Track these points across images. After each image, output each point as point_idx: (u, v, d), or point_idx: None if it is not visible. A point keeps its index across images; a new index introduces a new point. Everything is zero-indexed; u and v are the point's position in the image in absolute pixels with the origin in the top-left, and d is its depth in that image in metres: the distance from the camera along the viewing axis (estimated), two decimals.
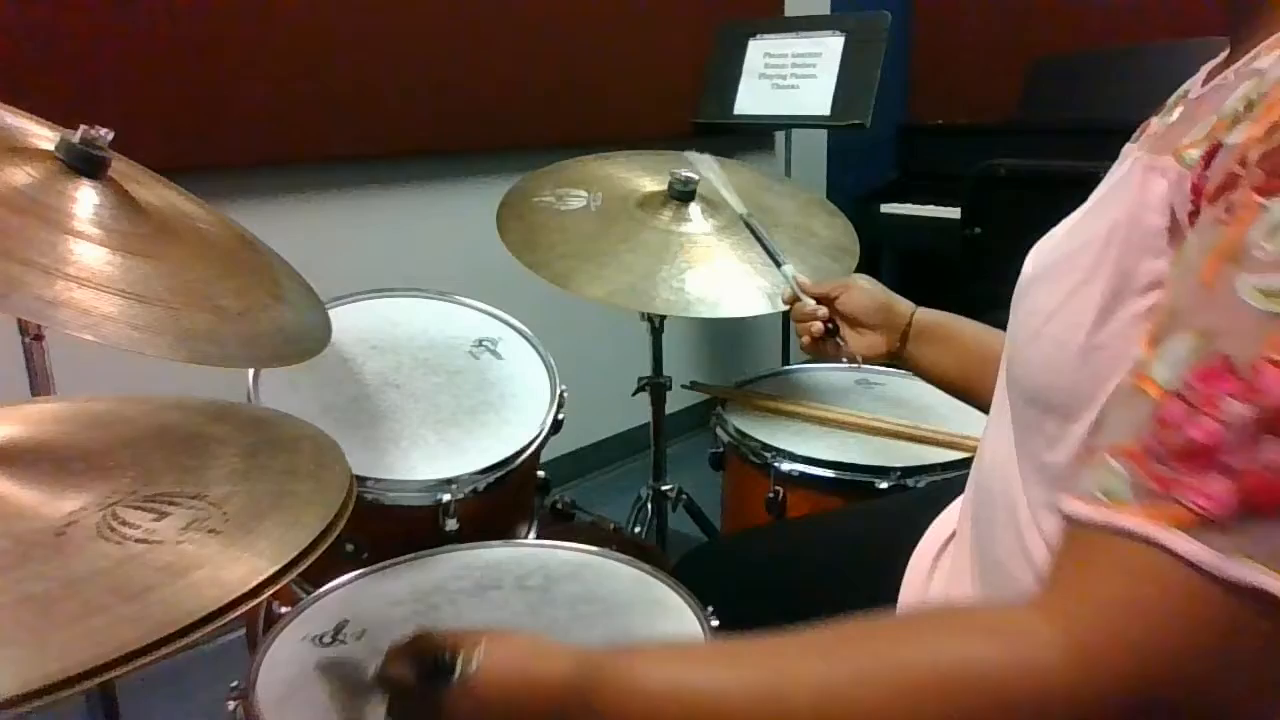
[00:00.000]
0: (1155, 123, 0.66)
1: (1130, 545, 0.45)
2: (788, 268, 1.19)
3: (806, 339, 1.12)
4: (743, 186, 1.49)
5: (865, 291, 1.10)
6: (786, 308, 1.17)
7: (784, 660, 0.52)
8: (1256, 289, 0.44)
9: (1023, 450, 0.64)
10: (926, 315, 1.07)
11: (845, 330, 1.10)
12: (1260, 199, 0.44)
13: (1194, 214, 0.50)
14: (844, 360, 1.10)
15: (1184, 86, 0.67)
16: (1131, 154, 0.66)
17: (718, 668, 0.53)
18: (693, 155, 1.33)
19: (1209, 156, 0.50)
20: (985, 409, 1.00)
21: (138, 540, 0.53)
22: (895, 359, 1.09)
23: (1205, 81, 0.62)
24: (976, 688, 0.47)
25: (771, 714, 0.50)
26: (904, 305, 1.09)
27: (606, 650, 0.56)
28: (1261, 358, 0.43)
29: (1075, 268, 0.58)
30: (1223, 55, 0.62)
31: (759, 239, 1.23)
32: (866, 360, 1.09)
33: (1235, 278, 0.44)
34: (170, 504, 0.57)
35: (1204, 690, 0.44)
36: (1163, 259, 0.53)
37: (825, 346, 1.11)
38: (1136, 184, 0.55)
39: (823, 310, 1.10)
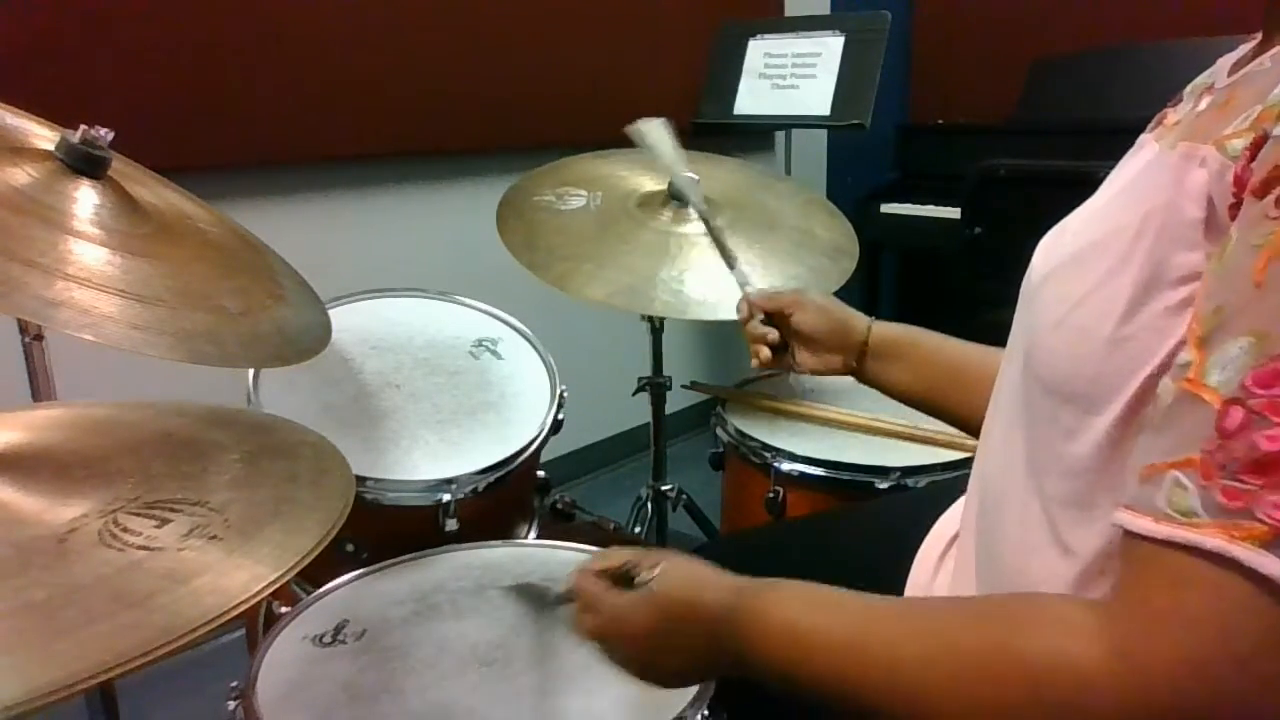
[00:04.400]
0: (1173, 113, 0.65)
1: (1199, 561, 0.44)
2: (741, 272, 1.11)
3: (755, 361, 1.06)
4: (742, 186, 1.50)
5: (818, 309, 1.03)
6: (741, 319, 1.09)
7: (872, 620, 0.58)
8: None
9: (1039, 442, 0.63)
10: (884, 331, 1.02)
11: (797, 350, 1.04)
12: None
13: (1235, 206, 0.49)
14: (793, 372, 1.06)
15: (1201, 78, 0.66)
16: (1148, 143, 0.65)
17: (825, 614, 0.60)
18: (641, 124, 1.21)
19: (1255, 147, 0.48)
20: (952, 422, 0.98)
21: (139, 547, 0.53)
22: (854, 376, 1.04)
23: (1233, 70, 0.60)
24: (1017, 673, 0.49)
25: (852, 664, 0.56)
26: (859, 321, 1.02)
27: (758, 584, 0.64)
28: None
29: (1105, 255, 0.56)
30: (1247, 45, 0.61)
31: (714, 236, 1.15)
32: (817, 374, 1.05)
33: None
34: (172, 511, 0.57)
35: (1260, 710, 0.43)
36: (1197, 251, 0.51)
37: (775, 364, 1.06)
38: (1174, 173, 0.54)
39: (773, 334, 1.04)
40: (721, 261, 1.14)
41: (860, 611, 0.59)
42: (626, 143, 1.55)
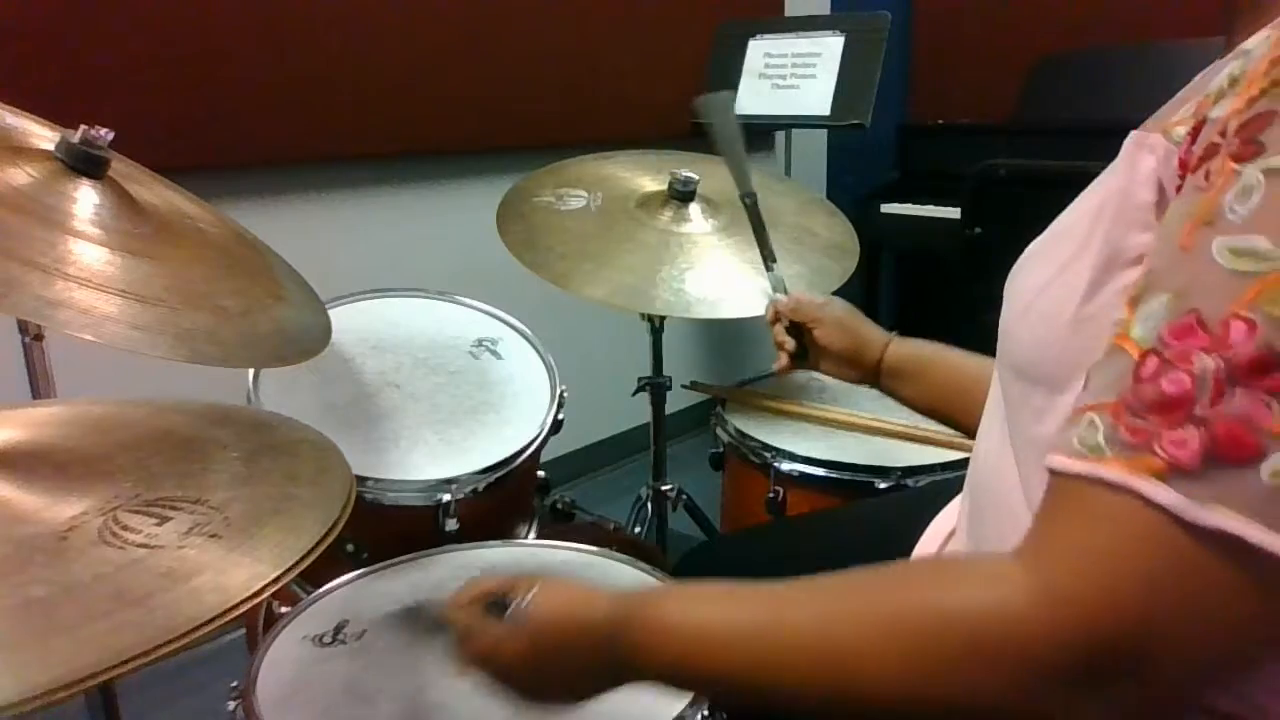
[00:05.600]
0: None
1: (1105, 493, 0.46)
2: (776, 277, 1.15)
3: (777, 366, 1.12)
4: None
5: (837, 324, 1.07)
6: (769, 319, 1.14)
7: (787, 601, 0.57)
8: (1228, 249, 0.45)
9: (1017, 428, 0.65)
10: (901, 350, 1.05)
11: (816, 358, 1.10)
12: (1235, 165, 0.46)
13: (1180, 188, 0.52)
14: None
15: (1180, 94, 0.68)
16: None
17: (730, 605, 0.59)
18: (714, 98, 1.21)
19: (1195, 131, 0.51)
20: (969, 434, 1.01)
21: (139, 545, 0.53)
22: (874, 388, 1.08)
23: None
24: (952, 629, 0.49)
25: (771, 647, 0.55)
26: (877, 340, 1.06)
27: (640, 592, 0.64)
28: (1230, 314, 0.44)
29: (1068, 243, 0.60)
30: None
31: (756, 229, 1.17)
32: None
33: (1210, 240, 0.46)
34: (172, 509, 0.57)
35: (1170, 635, 0.45)
36: (1149, 233, 0.54)
37: (794, 369, 1.12)
38: (1127, 161, 0.57)
39: (791, 344, 1.10)
40: (761, 260, 1.17)
41: (767, 595, 0.58)
42: (626, 143, 1.56)
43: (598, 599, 0.64)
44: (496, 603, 0.66)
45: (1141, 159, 0.56)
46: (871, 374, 1.06)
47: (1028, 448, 0.64)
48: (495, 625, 0.66)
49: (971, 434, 0.99)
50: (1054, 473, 0.50)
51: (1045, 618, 0.46)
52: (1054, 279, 0.60)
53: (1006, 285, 0.69)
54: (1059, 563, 0.48)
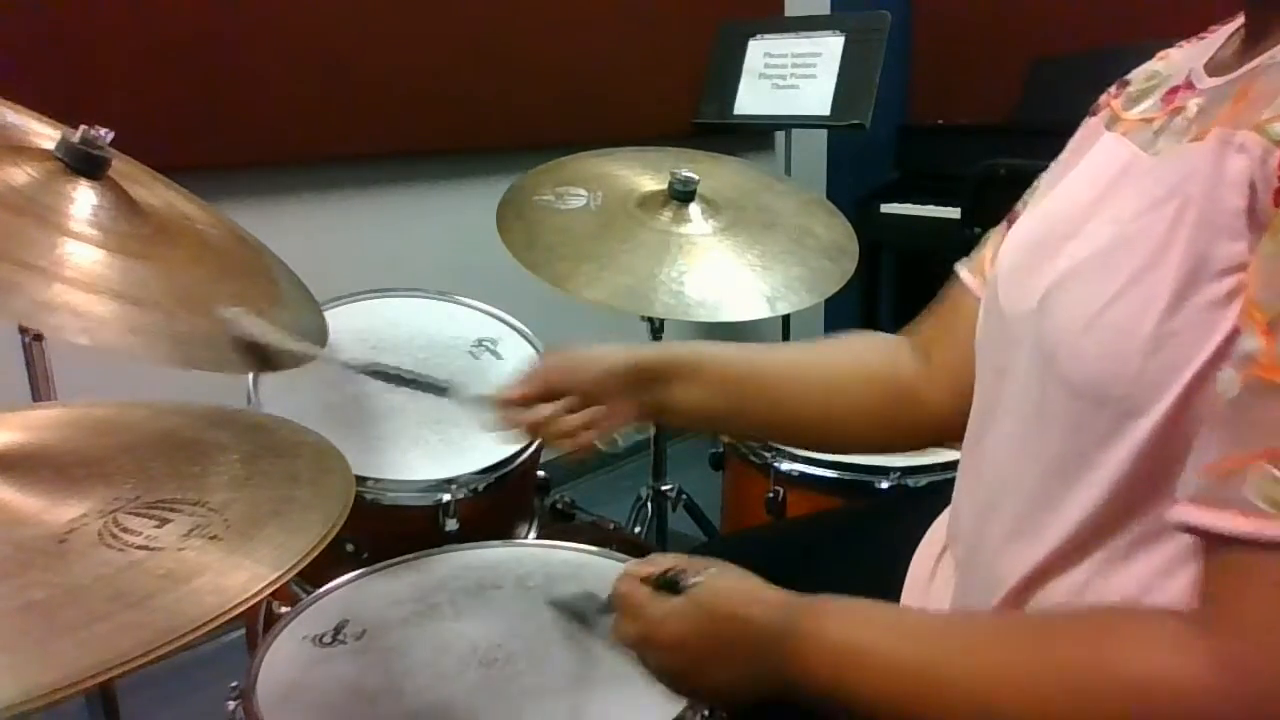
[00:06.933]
0: (1118, 103, 0.68)
1: None
2: (467, 392, 0.86)
3: (568, 444, 0.82)
4: (742, 187, 1.50)
5: (590, 358, 0.84)
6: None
7: (950, 640, 0.56)
8: None
9: (1065, 451, 0.59)
10: (673, 350, 0.89)
11: (591, 414, 0.82)
12: None
13: None
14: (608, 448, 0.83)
15: (1148, 70, 0.69)
16: (1105, 133, 0.67)
17: (897, 638, 0.57)
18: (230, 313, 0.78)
19: None
20: (758, 436, 0.94)
21: (139, 547, 0.53)
22: (659, 415, 0.87)
23: (1212, 70, 0.61)
24: (1120, 690, 0.47)
25: (931, 688, 0.54)
26: (646, 350, 0.87)
27: (808, 601, 0.61)
28: None
29: (1134, 252, 0.54)
30: (1210, 45, 0.63)
31: (405, 380, 0.89)
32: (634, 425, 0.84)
33: None
34: (171, 511, 0.57)
35: None
36: (1241, 241, 0.49)
37: (588, 444, 0.82)
38: (1209, 161, 0.52)
39: (551, 406, 0.81)
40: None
41: (931, 630, 0.56)
42: (626, 143, 1.55)
43: (769, 598, 0.62)
44: (668, 581, 0.65)
45: (1229, 159, 0.51)
46: (650, 385, 0.84)
47: (1085, 471, 0.58)
48: (662, 602, 0.64)
49: (766, 431, 0.95)
50: (1227, 537, 0.46)
51: (1222, 698, 0.44)
52: (1123, 292, 0.54)
53: (1045, 299, 0.62)
54: (1245, 638, 0.45)
